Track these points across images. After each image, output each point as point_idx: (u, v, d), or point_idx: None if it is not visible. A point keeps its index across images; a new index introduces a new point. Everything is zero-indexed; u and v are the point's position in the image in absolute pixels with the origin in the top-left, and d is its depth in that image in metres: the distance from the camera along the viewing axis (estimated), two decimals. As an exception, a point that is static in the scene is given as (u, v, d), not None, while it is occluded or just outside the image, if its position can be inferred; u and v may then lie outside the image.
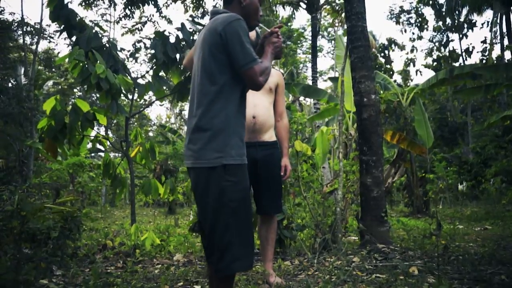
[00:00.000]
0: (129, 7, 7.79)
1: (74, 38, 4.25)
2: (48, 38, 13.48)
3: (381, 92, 9.72)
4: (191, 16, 8.47)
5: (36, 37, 12.72)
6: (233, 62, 1.64)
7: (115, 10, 11.35)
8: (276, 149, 2.77)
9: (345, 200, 4.41)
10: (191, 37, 4.57)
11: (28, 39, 13.47)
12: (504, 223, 6.42)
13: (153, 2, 7.54)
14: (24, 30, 12.20)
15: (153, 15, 12.75)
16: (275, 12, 16.16)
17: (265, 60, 1.72)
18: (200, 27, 4.78)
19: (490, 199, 11.27)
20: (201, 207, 1.71)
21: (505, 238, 4.66)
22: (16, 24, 12.17)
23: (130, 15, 8.02)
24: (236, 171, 1.66)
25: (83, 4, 8.41)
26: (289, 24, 22.91)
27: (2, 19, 11.17)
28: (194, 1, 8.50)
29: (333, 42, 26.66)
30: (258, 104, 2.67)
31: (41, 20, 11.94)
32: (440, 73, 9.41)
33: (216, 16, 1.74)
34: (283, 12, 18.76)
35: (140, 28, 9.32)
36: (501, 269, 2.80)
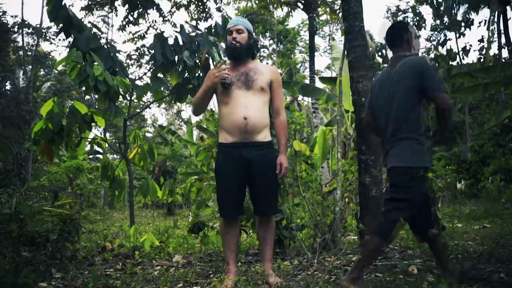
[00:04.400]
0: (131, 13, 7.74)
1: (72, 39, 4.25)
2: (49, 39, 13.47)
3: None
4: (193, 19, 8.45)
5: (36, 39, 12.72)
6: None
7: (116, 15, 11.34)
8: (271, 149, 2.73)
9: (343, 200, 4.42)
10: (193, 40, 4.57)
11: (28, 40, 13.47)
12: (503, 221, 6.43)
13: (155, 8, 7.53)
14: (24, 32, 12.20)
15: (155, 21, 12.69)
16: (272, 12, 16.17)
17: None
18: (199, 32, 4.79)
19: (489, 198, 11.29)
20: (415, 197, 2.33)
21: (504, 236, 4.66)
22: (16, 26, 12.18)
23: (133, 21, 7.97)
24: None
25: (85, 10, 8.35)
26: (285, 23, 22.95)
27: (3, 21, 11.17)
28: (199, 8, 8.46)
29: (327, 39, 26.73)
30: (249, 105, 2.63)
31: (41, 22, 11.96)
32: (438, 72, 9.41)
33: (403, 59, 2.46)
34: (280, 11, 18.79)
35: (142, 35, 9.28)
36: (500, 267, 2.81)
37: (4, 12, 11.29)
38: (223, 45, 4.61)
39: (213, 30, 4.87)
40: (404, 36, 2.51)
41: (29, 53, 13.86)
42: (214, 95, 2.83)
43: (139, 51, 7.82)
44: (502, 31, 15.79)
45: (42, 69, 17.09)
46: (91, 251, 3.88)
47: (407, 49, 2.50)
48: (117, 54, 4.48)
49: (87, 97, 17.07)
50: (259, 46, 2.92)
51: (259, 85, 2.69)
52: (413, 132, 2.36)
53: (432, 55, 19.63)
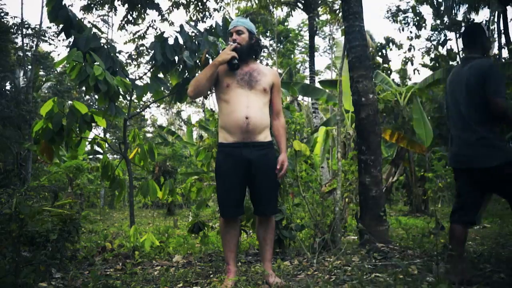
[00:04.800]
0: (131, 13, 7.72)
1: (72, 39, 4.24)
2: (48, 40, 13.48)
3: (379, 92, 9.71)
4: (191, 19, 8.44)
5: (35, 39, 12.72)
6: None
7: (115, 15, 11.36)
8: (271, 150, 2.74)
9: (343, 200, 4.42)
10: (193, 40, 4.57)
11: (27, 41, 13.46)
12: (502, 221, 6.43)
13: (155, 8, 7.51)
14: (24, 32, 12.20)
15: (154, 20, 12.69)
16: (272, 12, 16.16)
17: None
18: (197, 32, 4.79)
19: (489, 198, 11.26)
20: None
21: (503, 236, 4.66)
22: (15, 27, 12.19)
23: (132, 21, 7.94)
24: None
25: (85, 10, 8.33)
26: (285, 24, 22.96)
27: (2, 21, 11.18)
28: (198, 8, 8.45)
29: (327, 39, 26.75)
30: (251, 105, 2.64)
31: (41, 22, 11.96)
32: (436, 72, 9.41)
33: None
34: (279, 12, 18.79)
35: (142, 35, 9.26)
36: (500, 267, 2.81)
37: (6, 13, 11.30)
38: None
39: (213, 30, 4.87)
40: (478, 40, 2.65)
41: (29, 54, 13.87)
42: (214, 93, 2.84)
43: (137, 50, 7.76)
44: (502, 31, 15.78)
45: (42, 69, 17.10)
46: (91, 251, 3.88)
47: (479, 51, 2.64)
48: (117, 54, 4.48)
49: (87, 97, 17.08)
50: (261, 45, 2.93)
51: (262, 86, 2.70)
52: (482, 133, 2.42)
53: (432, 55, 19.62)
